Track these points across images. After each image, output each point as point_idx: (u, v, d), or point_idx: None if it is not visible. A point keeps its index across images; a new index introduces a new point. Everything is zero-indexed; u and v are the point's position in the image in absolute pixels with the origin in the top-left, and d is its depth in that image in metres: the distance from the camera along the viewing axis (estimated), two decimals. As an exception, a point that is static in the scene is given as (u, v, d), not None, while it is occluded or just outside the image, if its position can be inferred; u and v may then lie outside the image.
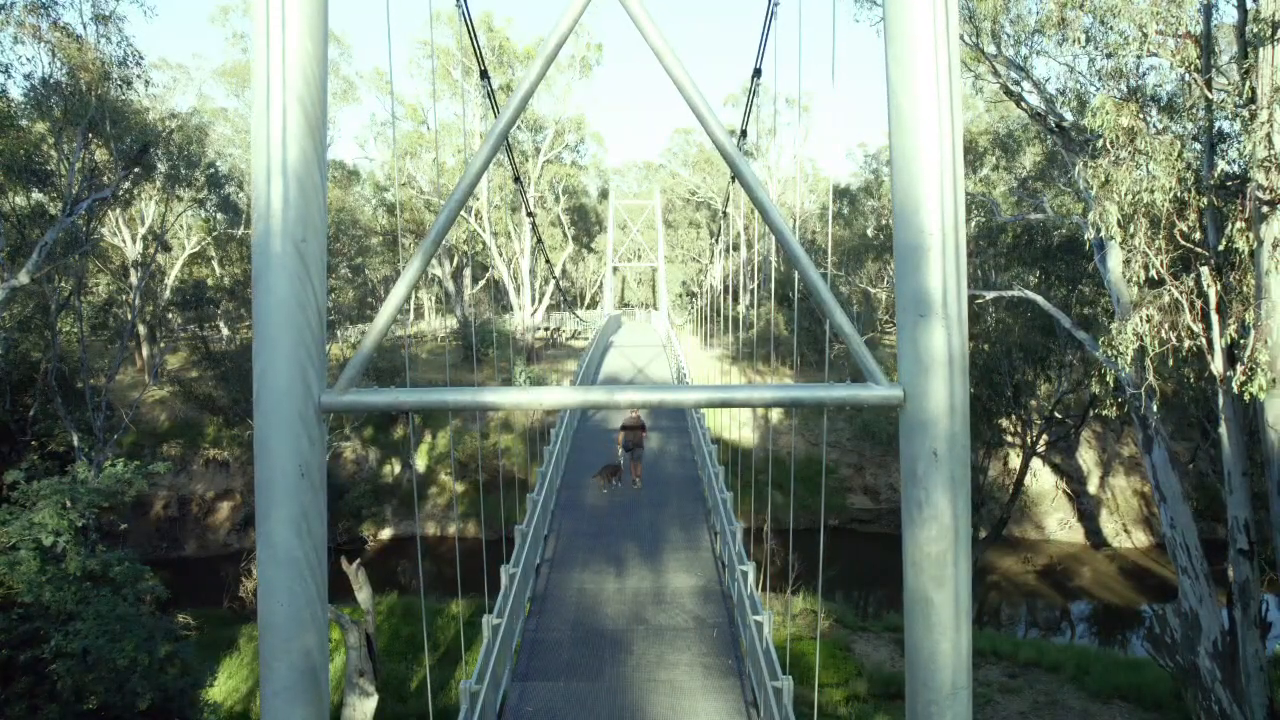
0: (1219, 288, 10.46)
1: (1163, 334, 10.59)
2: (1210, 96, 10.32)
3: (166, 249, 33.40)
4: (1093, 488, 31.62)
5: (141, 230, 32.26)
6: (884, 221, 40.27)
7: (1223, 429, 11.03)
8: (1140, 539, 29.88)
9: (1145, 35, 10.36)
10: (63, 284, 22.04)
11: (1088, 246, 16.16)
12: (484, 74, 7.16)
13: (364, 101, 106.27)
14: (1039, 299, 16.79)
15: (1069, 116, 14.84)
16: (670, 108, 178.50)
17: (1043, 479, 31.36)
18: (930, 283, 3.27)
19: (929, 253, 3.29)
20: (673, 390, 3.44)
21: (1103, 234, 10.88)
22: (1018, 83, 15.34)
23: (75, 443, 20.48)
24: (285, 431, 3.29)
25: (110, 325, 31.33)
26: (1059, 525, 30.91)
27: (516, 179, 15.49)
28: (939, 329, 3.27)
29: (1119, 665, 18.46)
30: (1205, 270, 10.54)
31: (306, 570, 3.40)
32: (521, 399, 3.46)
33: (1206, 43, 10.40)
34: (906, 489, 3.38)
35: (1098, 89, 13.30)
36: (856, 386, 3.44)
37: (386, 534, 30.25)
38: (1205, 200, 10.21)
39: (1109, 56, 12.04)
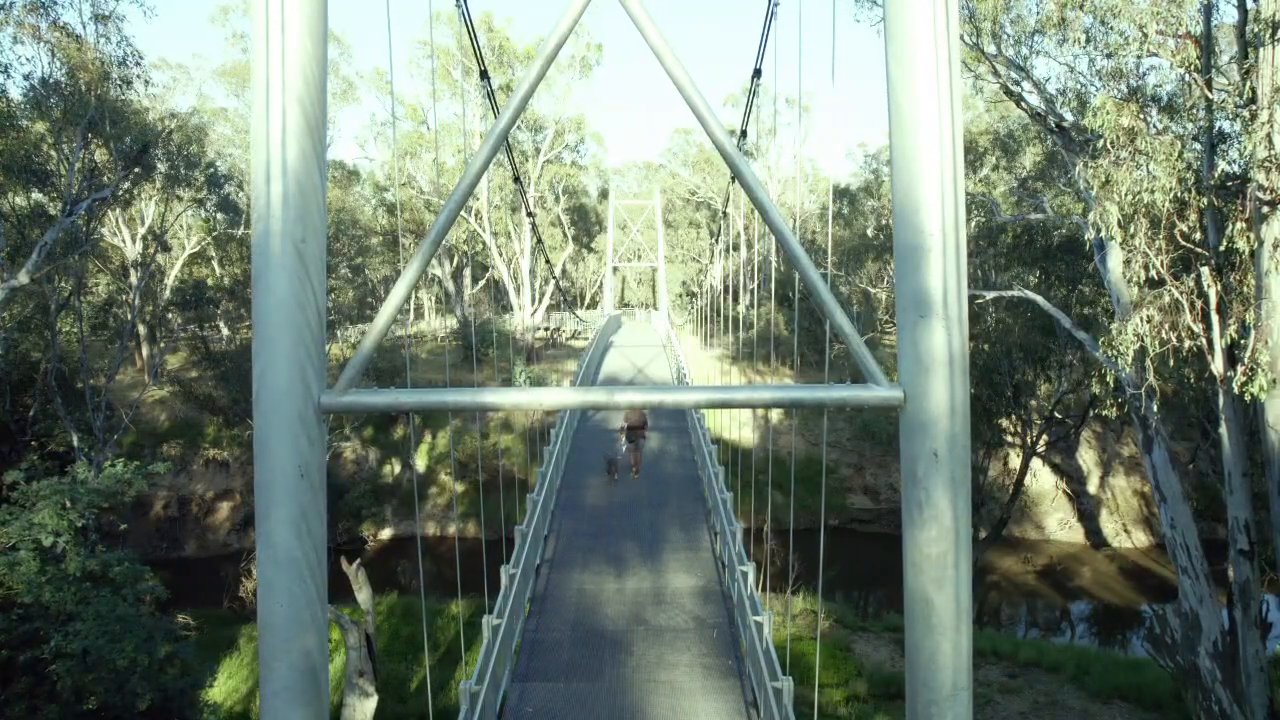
0: (1219, 288, 10.45)
1: (1163, 334, 10.59)
2: (1210, 97, 10.31)
3: (166, 249, 33.40)
4: (1093, 488, 31.61)
5: (141, 230, 32.25)
6: (884, 221, 40.29)
7: (1223, 429, 11.03)
8: (1140, 539, 29.87)
9: (1145, 35, 10.36)
10: (63, 284, 22.04)
11: (1088, 247, 16.16)
12: (484, 74, 7.15)
13: (364, 101, 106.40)
14: (1039, 299, 16.78)
15: (1069, 117, 14.83)
16: (670, 108, 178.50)
17: (1043, 479, 31.36)
18: (930, 283, 3.27)
19: (929, 253, 3.28)
20: (673, 391, 3.43)
21: (1103, 234, 10.87)
22: (1018, 83, 15.35)
23: (75, 443, 20.48)
24: (285, 432, 3.29)
25: (110, 325, 31.33)
26: (1059, 525, 30.91)
27: (516, 179, 15.49)
28: (939, 329, 3.27)
29: (1119, 665, 18.46)
30: (1205, 270, 10.54)
31: (306, 571, 3.40)
32: (521, 399, 3.45)
33: (1207, 43, 10.40)
34: (907, 490, 3.38)
35: (1098, 89, 13.31)
36: (857, 387, 3.44)
37: (386, 534, 30.25)
38: (1205, 200, 10.21)
39: (1109, 57, 12.04)
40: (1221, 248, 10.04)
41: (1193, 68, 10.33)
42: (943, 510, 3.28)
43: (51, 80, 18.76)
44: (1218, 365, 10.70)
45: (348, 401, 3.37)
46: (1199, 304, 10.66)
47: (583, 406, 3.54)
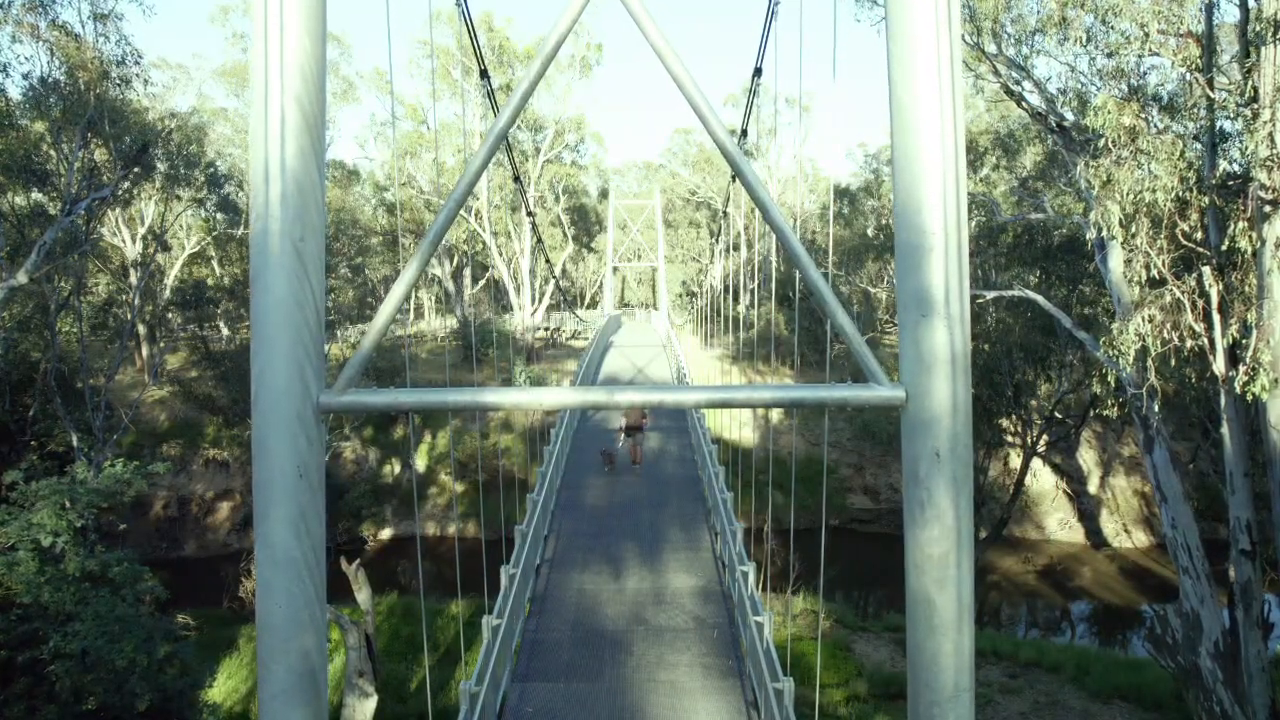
0: (1221, 287, 10.41)
1: (1165, 334, 10.56)
2: (1212, 96, 10.29)
3: (166, 249, 33.39)
4: (1093, 488, 31.59)
5: (141, 230, 32.25)
6: (884, 221, 40.24)
7: (1225, 429, 11.00)
8: (1140, 539, 29.85)
9: (1147, 35, 10.34)
10: (62, 284, 22.02)
11: (1088, 246, 16.14)
12: (484, 73, 7.14)
13: (364, 101, 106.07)
14: (1040, 299, 16.77)
15: (1070, 116, 14.81)
16: (670, 108, 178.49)
17: (1043, 479, 31.34)
18: (932, 282, 3.26)
19: (931, 252, 3.28)
20: (673, 391, 3.42)
21: (1104, 234, 10.84)
22: (1018, 82, 15.33)
23: (75, 443, 20.45)
24: (283, 432, 3.28)
25: (110, 325, 31.32)
26: (1059, 525, 30.89)
27: (516, 178, 15.46)
28: (941, 328, 3.26)
29: (1119, 665, 18.44)
30: (1207, 270, 10.50)
31: (305, 571, 3.39)
32: (521, 399, 3.44)
33: (1208, 42, 10.37)
34: (908, 490, 3.37)
35: (1098, 89, 13.29)
36: (858, 387, 3.44)
37: (386, 534, 30.23)
38: (1207, 200, 10.18)
39: (1109, 56, 12.01)
40: (1223, 247, 10.01)
41: (1194, 67, 10.30)
42: (944, 510, 3.27)
43: (51, 79, 18.71)
44: (1219, 365, 10.66)
45: (347, 401, 3.36)
46: (1200, 303, 10.62)
47: (583, 406, 3.53)
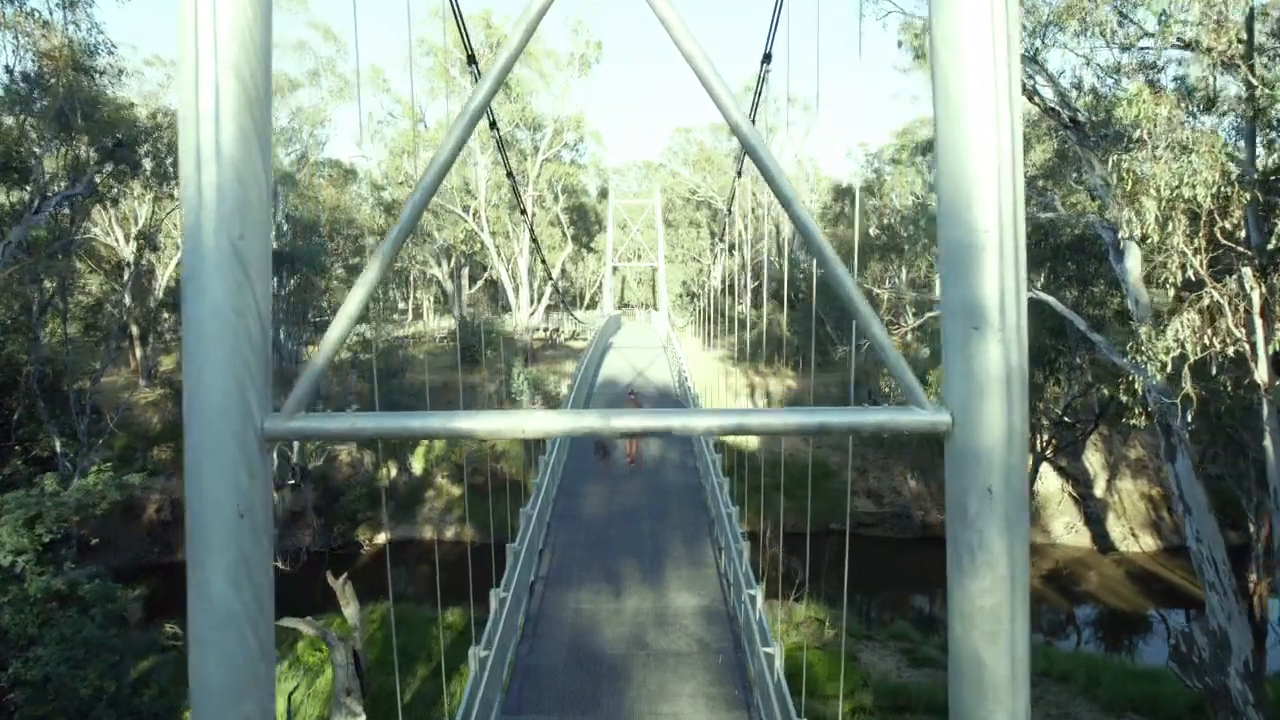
0: (1263, 290, 9.82)
1: (1204, 339, 9.96)
2: (1254, 83, 9.72)
3: (154, 248, 32.94)
4: (1099, 491, 31.16)
5: (134, 230, 31.82)
6: (886, 221, 39.88)
7: (1267, 441, 10.38)
8: (1148, 543, 29.42)
9: (1186, 19, 9.77)
10: (47, 284, 21.48)
11: (1102, 246, 15.58)
12: (470, 58, 6.66)
13: (361, 100, 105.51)
14: (1054, 301, 16.27)
15: (1083, 114, 14.30)
16: (670, 107, 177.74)
17: (1049, 482, 30.92)
18: (984, 289, 2.74)
19: (983, 253, 2.75)
20: (681, 416, 2.89)
21: (1136, 231, 10.25)
22: (1031, 76, 14.83)
23: (58, 448, 19.91)
24: (221, 463, 2.76)
25: (101, 326, 30.89)
26: (1065, 529, 30.45)
27: (509, 174, 14.95)
28: (994, 343, 2.74)
29: (1131, 676, 17.97)
30: (1248, 271, 9.91)
31: (248, 626, 2.87)
32: (501, 425, 2.91)
33: (1249, 26, 9.81)
34: (954, 531, 2.85)
35: (1115, 82, 12.77)
36: (896, 410, 2.91)
37: (382, 538, 29.75)
38: (1248, 195, 9.60)
39: (1126, 49, 11.48)
40: (1268, 247, 9.41)
41: (1235, 54, 9.71)
42: (997, 556, 2.76)
43: (16, 70, 18.00)
44: (1262, 373, 10.04)
45: (296, 427, 2.84)
46: (1241, 307, 10.02)
47: (573, 434, 3.01)
